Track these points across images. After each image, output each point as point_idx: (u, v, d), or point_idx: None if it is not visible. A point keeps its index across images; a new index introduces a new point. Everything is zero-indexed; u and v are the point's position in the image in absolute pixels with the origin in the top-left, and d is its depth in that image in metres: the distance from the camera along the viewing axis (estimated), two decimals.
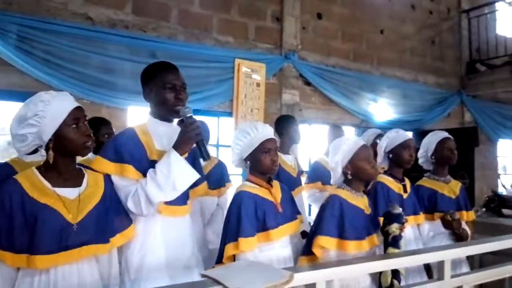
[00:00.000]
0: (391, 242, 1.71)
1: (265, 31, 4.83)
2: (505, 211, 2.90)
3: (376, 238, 1.84)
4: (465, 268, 2.23)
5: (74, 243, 1.31)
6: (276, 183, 1.85)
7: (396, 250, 1.70)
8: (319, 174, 3.23)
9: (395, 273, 1.68)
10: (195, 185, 1.65)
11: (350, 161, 1.84)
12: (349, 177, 1.85)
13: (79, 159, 1.52)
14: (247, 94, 4.62)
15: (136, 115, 4.01)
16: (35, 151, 1.40)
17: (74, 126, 1.36)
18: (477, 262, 2.78)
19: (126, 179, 1.53)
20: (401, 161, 2.22)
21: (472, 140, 5.37)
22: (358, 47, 5.66)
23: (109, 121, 3.01)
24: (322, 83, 5.18)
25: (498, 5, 7.06)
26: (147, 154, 1.59)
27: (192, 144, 1.57)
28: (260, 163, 1.74)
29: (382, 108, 5.69)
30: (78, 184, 1.40)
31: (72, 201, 1.35)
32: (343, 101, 5.36)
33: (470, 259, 2.73)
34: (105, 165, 1.53)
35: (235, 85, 4.50)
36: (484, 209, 2.86)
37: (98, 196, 1.43)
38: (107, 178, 1.52)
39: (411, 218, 2.15)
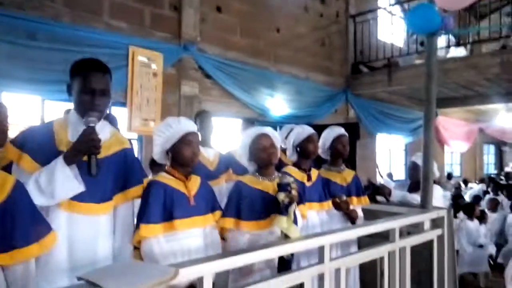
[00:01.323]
0: (280, 210, 1.85)
1: (162, 19, 4.67)
2: (380, 198, 3.26)
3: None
4: (354, 248, 2.48)
5: None
6: (195, 178, 1.89)
7: (283, 217, 1.83)
8: (228, 164, 3.28)
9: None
10: (126, 187, 1.66)
11: (249, 151, 2.08)
12: (254, 164, 2.09)
13: None
14: (142, 84, 4.42)
15: (9, 102, 3.55)
16: None
17: None
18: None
19: (19, 169, 1.50)
20: (306, 153, 2.43)
21: (355, 134, 5.92)
22: (256, 43, 5.81)
23: None
24: (222, 76, 5.20)
25: (380, 12, 7.88)
26: (55, 144, 1.55)
27: (82, 155, 1.50)
28: (181, 155, 1.80)
29: (278, 103, 5.95)
30: None
31: None
32: (241, 95, 5.47)
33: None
34: (9, 149, 1.53)
35: (129, 74, 4.27)
36: None
37: None
38: (20, 182, 1.36)
39: (316, 204, 2.38)
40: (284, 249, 1.76)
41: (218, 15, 5.32)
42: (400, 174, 9.51)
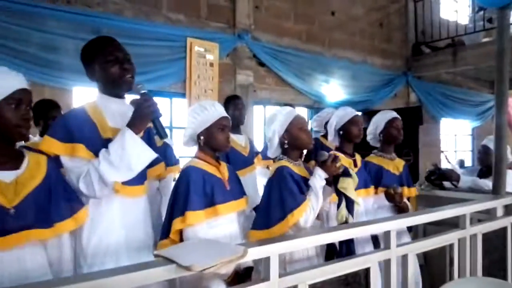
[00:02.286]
0: (341, 174, 1.88)
1: (217, 9, 4.74)
2: (447, 184, 3.09)
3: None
4: (406, 239, 2.36)
5: (13, 228, 1.24)
6: (223, 164, 1.87)
7: (348, 179, 1.87)
8: (256, 149, 3.30)
9: (349, 206, 1.86)
10: (152, 164, 1.60)
11: (286, 130, 1.93)
12: (286, 146, 1.94)
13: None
14: (200, 75, 4.54)
15: (82, 96, 3.82)
16: None
17: (13, 106, 1.29)
18: (421, 232, 2.96)
19: (76, 160, 1.46)
20: (350, 137, 2.32)
21: (417, 119, 5.65)
22: (310, 28, 5.71)
23: (58, 104, 2.84)
24: (276, 64, 5.19)
25: None
26: (99, 132, 1.52)
27: (148, 122, 1.52)
28: (215, 139, 1.76)
29: (334, 89, 5.83)
30: (16, 167, 1.32)
31: (9, 184, 1.27)
32: (296, 82, 5.42)
33: (414, 230, 2.91)
34: (54, 145, 1.45)
35: (187, 65, 4.40)
36: (426, 182, 3.04)
37: (39, 179, 1.35)
38: (52, 160, 1.43)
39: (362, 191, 2.27)
40: (349, 233, 1.74)
41: (272, 1, 5.29)
42: (467, 160, 8.94)
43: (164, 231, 1.66)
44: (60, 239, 1.41)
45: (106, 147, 1.45)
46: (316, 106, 5.64)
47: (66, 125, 1.49)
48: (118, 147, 1.42)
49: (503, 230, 2.46)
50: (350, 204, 1.91)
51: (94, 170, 1.42)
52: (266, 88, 5.22)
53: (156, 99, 1.55)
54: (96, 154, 1.45)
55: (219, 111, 1.78)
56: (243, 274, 1.60)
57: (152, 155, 1.50)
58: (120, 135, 1.45)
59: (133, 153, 1.43)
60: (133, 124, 1.47)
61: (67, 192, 1.43)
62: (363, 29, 6.43)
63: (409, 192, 2.50)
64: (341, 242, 1.90)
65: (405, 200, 2.38)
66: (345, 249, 1.89)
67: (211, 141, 1.77)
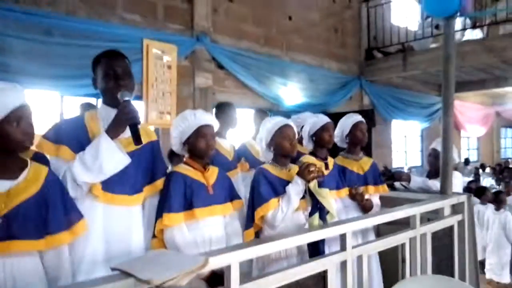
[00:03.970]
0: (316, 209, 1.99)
1: (175, 11, 4.68)
2: (398, 185, 3.24)
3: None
4: (372, 236, 2.49)
5: (1, 237, 1.26)
6: (213, 169, 1.94)
7: (326, 190, 2.02)
8: (241, 155, 3.32)
9: (322, 215, 1.97)
10: (154, 178, 1.73)
11: (271, 138, 2.08)
12: (272, 151, 2.10)
13: None
14: (157, 77, 4.46)
15: (32, 99, 3.62)
16: None
17: (15, 123, 1.33)
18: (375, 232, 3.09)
19: (60, 160, 1.54)
20: (322, 142, 2.44)
21: (370, 121, 5.87)
22: (269, 32, 5.78)
23: None
24: (235, 67, 5.20)
25: None
26: (88, 136, 1.59)
27: (124, 127, 1.57)
28: (195, 147, 1.85)
29: (292, 92, 5.93)
30: (14, 177, 1.35)
31: (1, 194, 1.31)
32: (255, 85, 5.46)
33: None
34: (43, 145, 1.56)
35: (144, 67, 4.31)
36: None
37: (33, 190, 1.37)
38: (52, 172, 1.46)
39: (333, 192, 2.38)
40: (306, 238, 1.78)
41: (230, 4, 5.30)
42: (416, 160, 9.42)
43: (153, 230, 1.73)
44: (57, 249, 1.41)
45: None
46: (275, 109, 5.71)
47: (58, 128, 1.61)
48: (93, 149, 1.49)
49: (450, 228, 2.61)
50: (323, 213, 1.99)
51: (69, 170, 1.49)
52: (225, 91, 5.21)
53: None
54: None
55: (198, 120, 1.85)
56: (221, 276, 1.59)
57: (125, 160, 1.54)
58: (96, 139, 1.51)
59: (106, 156, 1.48)
60: (111, 128, 1.54)
61: (65, 204, 1.44)
62: (319, 34, 6.60)
63: (376, 190, 2.62)
64: (309, 244, 1.96)
65: (370, 196, 2.52)
66: (312, 250, 1.95)
67: (193, 149, 1.87)
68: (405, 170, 7.64)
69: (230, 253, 1.38)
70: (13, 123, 1.32)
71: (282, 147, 2.06)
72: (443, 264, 2.55)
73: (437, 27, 6.83)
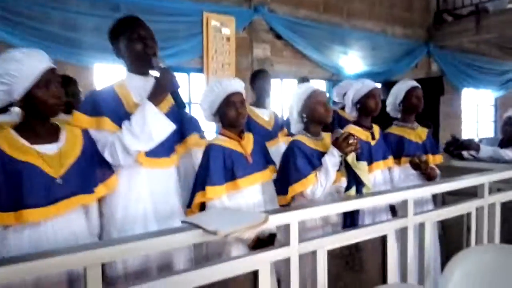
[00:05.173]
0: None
1: None
2: (466, 154, 3.07)
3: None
4: (431, 207, 2.40)
5: (61, 196, 1.34)
6: (248, 136, 1.93)
7: (364, 163, 1.96)
8: (283, 123, 3.33)
9: (359, 188, 1.93)
10: (184, 136, 1.74)
11: (304, 104, 2.01)
12: (305, 119, 2.01)
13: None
14: (217, 49, 4.54)
15: (102, 74, 3.90)
16: (5, 110, 1.38)
17: (44, 87, 1.35)
18: (440, 203, 2.98)
19: (103, 132, 1.56)
20: (367, 110, 2.31)
21: (438, 90, 5.55)
22: None
23: (75, 80, 2.93)
24: (293, 37, 5.14)
25: None
26: (124, 107, 1.61)
27: (167, 94, 1.60)
28: (226, 116, 1.82)
29: (352, 60, 5.74)
30: (56, 140, 1.42)
31: (53, 156, 1.37)
32: (314, 55, 5.37)
33: (434, 199, 2.93)
34: (82, 120, 1.56)
35: (204, 40, 4.41)
36: (445, 153, 3.02)
37: (78, 150, 1.45)
38: (86, 131, 1.53)
39: (380, 163, 2.29)
40: (366, 202, 1.79)
41: None
42: (489, 131, 8.76)
43: (189, 202, 1.75)
44: (88, 206, 1.52)
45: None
46: (334, 78, 5.59)
47: (93, 101, 1.59)
48: (139, 118, 1.51)
49: None
50: (360, 187, 1.96)
51: (118, 140, 1.51)
52: (283, 62, 5.19)
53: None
54: (121, 127, 1.54)
55: (225, 89, 1.81)
56: (266, 241, 1.67)
57: (170, 126, 1.57)
58: (141, 107, 1.54)
59: (153, 123, 1.52)
60: (153, 96, 1.56)
61: (100, 160, 1.54)
62: None
63: (433, 160, 2.49)
64: (345, 214, 1.96)
65: (432, 166, 2.38)
66: (349, 221, 1.95)
67: (224, 119, 1.84)
68: (476, 141, 7.16)
69: (290, 213, 1.44)
70: (42, 87, 1.33)
71: (316, 112, 1.99)
72: None
73: None
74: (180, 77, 4.33)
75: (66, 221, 1.38)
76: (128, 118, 1.55)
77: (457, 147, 2.97)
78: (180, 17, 4.20)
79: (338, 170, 1.95)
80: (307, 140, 1.99)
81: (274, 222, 1.40)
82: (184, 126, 1.80)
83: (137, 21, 1.66)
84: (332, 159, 1.89)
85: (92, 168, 1.49)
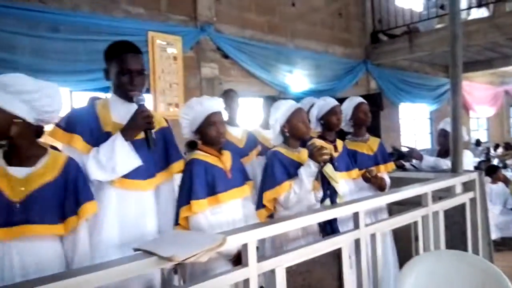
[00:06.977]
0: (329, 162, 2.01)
1: (178, 2, 4.68)
2: (408, 165, 3.24)
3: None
4: (385, 215, 2.51)
5: (17, 221, 1.31)
6: (226, 153, 1.96)
7: (329, 165, 1.99)
8: (256, 141, 3.34)
9: (333, 198, 1.98)
10: (168, 163, 1.75)
11: (287, 120, 2.11)
12: (286, 134, 2.12)
13: None
14: (164, 69, 4.48)
15: None
16: None
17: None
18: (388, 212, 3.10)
19: (72, 150, 1.56)
20: (330, 125, 2.45)
21: (377, 105, 5.86)
22: (272, 20, 5.76)
23: None
24: (240, 56, 5.21)
25: None
26: (100, 126, 1.62)
27: (139, 132, 1.61)
28: (207, 135, 1.86)
29: (298, 79, 5.92)
30: (33, 164, 1.40)
31: (20, 180, 1.35)
32: (261, 74, 5.47)
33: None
34: (57, 133, 1.57)
35: (150, 59, 4.33)
36: None
37: (50, 177, 1.40)
38: (72, 160, 1.48)
39: (344, 174, 2.40)
40: (319, 217, 1.81)
41: None
42: (426, 143, 9.37)
43: (175, 218, 1.76)
44: (75, 234, 1.43)
45: (105, 139, 1.56)
46: (281, 96, 5.71)
47: (70, 116, 1.62)
48: (108, 149, 1.52)
49: (462, 206, 2.62)
50: (334, 196, 2.00)
51: (82, 165, 1.51)
52: (231, 80, 5.22)
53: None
54: (93, 145, 1.56)
55: (206, 108, 1.84)
56: None
57: (137, 162, 1.58)
58: (111, 139, 1.55)
59: (120, 157, 1.53)
60: (126, 131, 1.57)
61: (79, 189, 1.45)
62: (323, 19, 6.55)
63: (385, 168, 2.64)
64: (324, 222, 1.99)
65: (381, 175, 2.54)
66: (329, 228, 1.98)
67: (205, 137, 1.88)
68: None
69: (247, 232, 1.42)
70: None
71: (298, 129, 2.11)
72: (456, 241, 2.57)
73: (442, 7, 6.75)
74: None
75: (31, 246, 1.33)
76: (102, 136, 1.57)
77: (400, 157, 3.13)
78: (124, 36, 4.08)
79: (316, 179, 2.02)
80: (285, 151, 2.10)
81: (232, 242, 1.37)
82: (170, 152, 1.79)
83: (133, 52, 1.64)
84: (307, 169, 1.97)
85: (68, 198, 1.41)
